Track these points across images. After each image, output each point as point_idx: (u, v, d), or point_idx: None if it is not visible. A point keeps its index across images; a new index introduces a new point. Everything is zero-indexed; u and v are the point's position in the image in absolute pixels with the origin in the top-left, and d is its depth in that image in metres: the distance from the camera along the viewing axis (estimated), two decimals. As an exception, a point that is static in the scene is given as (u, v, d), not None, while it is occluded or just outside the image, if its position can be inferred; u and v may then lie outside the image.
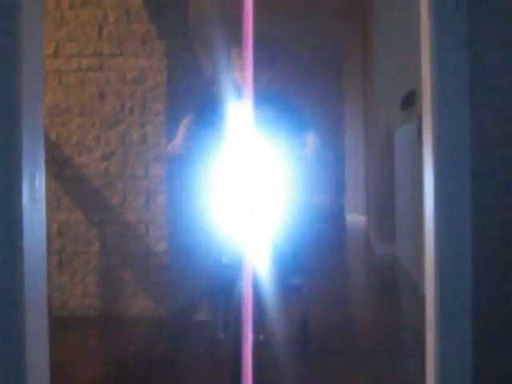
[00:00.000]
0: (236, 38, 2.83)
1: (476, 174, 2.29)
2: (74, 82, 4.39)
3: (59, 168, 4.41)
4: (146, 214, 4.33)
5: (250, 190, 2.42)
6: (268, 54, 3.30)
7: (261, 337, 2.96)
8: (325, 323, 4.12)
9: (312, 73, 16.19)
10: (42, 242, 2.56)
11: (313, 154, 3.23)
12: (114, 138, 4.35)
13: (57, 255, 4.41)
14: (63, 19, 4.40)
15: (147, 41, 4.33)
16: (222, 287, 3.18)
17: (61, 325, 4.15)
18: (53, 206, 4.40)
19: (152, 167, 4.32)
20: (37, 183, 2.52)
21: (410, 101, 5.31)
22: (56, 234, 4.40)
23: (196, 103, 3.30)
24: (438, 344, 2.31)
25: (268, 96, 3.27)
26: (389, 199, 7.13)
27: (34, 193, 2.49)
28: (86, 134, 4.38)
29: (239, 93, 3.16)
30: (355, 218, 11.03)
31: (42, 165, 2.58)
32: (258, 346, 2.69)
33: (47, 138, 4.35)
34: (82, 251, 4.40)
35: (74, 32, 4.40)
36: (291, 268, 3.39)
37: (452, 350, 2.30)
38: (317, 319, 4.19)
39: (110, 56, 4.37)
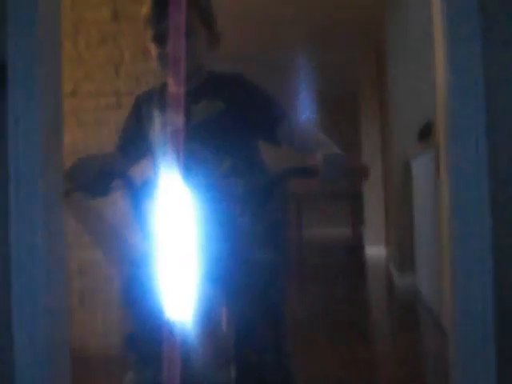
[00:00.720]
0: None
1: (495, 203, 2.28)
2: (92, 122, 4.42)
3: (79, 207, 4.42)
4: (166, 250, 4.32)
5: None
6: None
7: None
8: (343, 363, 4.09)
9: (327, 103, 16.21)
10: (63, 280, 2.56)
11: (327, 158, 2.21)
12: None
13: (77, 294, 4.40)
14: (80, 59, 4.44)
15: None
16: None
17: (82, 364, 4.14)
18: (73, 244, 4.40)
19: (171, 204, 4.32)
20: (57, 221, 2.53)
21: (427, 131, 5.30)
22: (77, 272, 4.40)
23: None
24: (461, 379, 2.29)
25: (210, 83, 2.48)
26: (408, 230, 7.11)
27: (55, 230, 2.50)
28: (104, 172, 4.39)
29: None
30: (374, 250, 10.99)
31: (62, 204, 2.59)
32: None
33: (66, 177, 4.36)
34: (102, 289, 4.39)
35: (91, 72, 4.44)
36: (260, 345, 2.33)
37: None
38: (334, 358, 4.16)
39: (128, 94, 4.40)
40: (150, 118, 2.60)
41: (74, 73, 4.45)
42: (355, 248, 11.74)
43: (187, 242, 2.15)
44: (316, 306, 5.98)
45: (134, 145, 2.66)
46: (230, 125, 2.39)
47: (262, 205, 2.42)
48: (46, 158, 2.44)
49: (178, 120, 2.21)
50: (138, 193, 2.51)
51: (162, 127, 2.48)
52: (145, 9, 2.45)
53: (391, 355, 4.13)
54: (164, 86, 2.58)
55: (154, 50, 2.48)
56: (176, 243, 2.15)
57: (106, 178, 2.41)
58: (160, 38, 2.39)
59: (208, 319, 2.23)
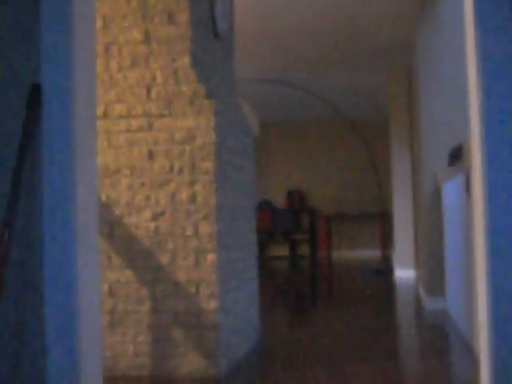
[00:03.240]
0: None
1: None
2: (123, 143, 4.45)
3: (109, 228, 4.45)
4: (196, 272, 4.33)
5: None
6: None
7: None
8: None
9: (359, 127, 16.26)
10: (97, 303, 2.58)
11: None
12: (163, 198, 4.38)
13: (108, 315, 4.42)
14: (112, 81, 4.48)
15: (195, 101, 4.38)
16: None
17: (113, 385, 4.15)
18: (104, 265, 4.43)
19: (201, 226, 4.33)
20: (91, 244, 2.55)
21: (457, 155, 5.29)
22: (107, 293, 4.42)
23: None
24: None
25: None
26: (438, 253, 7.09)
27: (88, 254, 2.51)
28: (135, 194, 4.42)
29: None
30: (404, 272, 10.95)
31: (96, 226, 2.61)
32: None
33: (98, 199, 4.40)
34: (132, 310, 4.41)
35: (123, 93, 4.47)
36: None
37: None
38: (363, 381, 4.14)
39: (159, 116, 4.43)
40: None
41: (105, 95, 4.49)
42: (384, 270, 11.69)
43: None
44: (344, 328, 5.95)
45: None
46: None
47: None
48: (80, 179, 2.46)
49: None
50: None
51: None
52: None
53: (421, 379, 4.09)
54: None
55: None
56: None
57: None
58: None
59: None
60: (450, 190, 5.96)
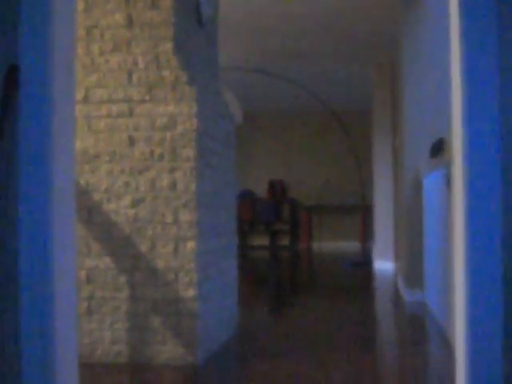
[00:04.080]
0: None
1: (507, 219, 2.25)
2: (104, 128, 4.41)
3: (88, 214, 4.41)
4: (175, 260, 4.31)
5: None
6: None
7: None
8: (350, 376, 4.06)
9: (341, 118, 16.26)
10: (73, 289, 2.55)
11: None
12: (143, 185, 4.35)
13: (86, 302, 4.39)
14: (93, 65, 4.44)
15: (177, 87, 4.35)
16: None
17: (90, 372, 4.12)
18: (82, 252, 4.40)
19: (182, 213, 4.31)
20: (68, 230, 2.51)
21: (439, 148, 5.28)
22: (85, 280, 4.39)
23: None
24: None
25: None
26: (417, 245, 7.10)
27: (65, 239, 2.48)
28: (114, 180, 4.38)
29: None
30: (384, 264, 10.97)
31: (73, 211, 2.58)
32: None
33: (76, 184, 4.36)
34: (110, 297, 4.38)
35: (104, 78, 4.43)
36: None
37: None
38: (341, 370, 4.14)
39: (140, 102, 4.39)
40: None
41: (86, 79, 4.44)
42: (364, 262, 11.71)
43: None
44: (323, 318, 5.95)
45: None
46: None
47: None
48: (57, 164, 2.42)
49: None
50: None
51: None
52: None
53: (398, 368, 4.10)
54: None
55: None
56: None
57: None
58: None
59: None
60: (431, 183, 5.95)
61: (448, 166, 4.71)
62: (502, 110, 2.28)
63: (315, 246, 17.09)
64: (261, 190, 17.39)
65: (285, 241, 17.38)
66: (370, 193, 16.54)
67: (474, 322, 2.25)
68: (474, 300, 2.25)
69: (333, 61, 11.23)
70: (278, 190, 17.00)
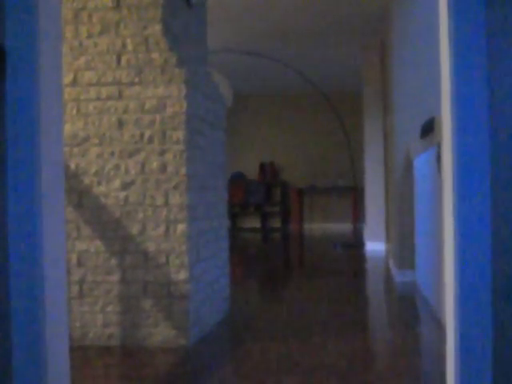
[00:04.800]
0: None
1: (496, 199, 2.26)
2: (93, 111, 4.39)
3: (78, 198, 4.40)
4: (166, 242, 4.31)
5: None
6: None
7: None
8: (341, 351, 4.07)
9: (331, 99, 16.24)
10: (63, 272, 2.54)
11: None
12: (133, 168, 4.34)
13: (77, 285, 4.39)
14: (82, 48, 4.42)
15: (166, 69, 4.33)
16: None
17: (82, 355, 4.13)
18: (72, 235, 4.39)
19: (172, 196, 4.30)
20: (57, 213, 2.51)
21: (429, 128, 5.28)
22: (76, 264, 4.39)
23: None
24: (457, 375, 2.27)
25: None
26: (408, 226, 7.11)
27: (55, 223, 2.47)
28: (104, 163, 4.37)
29: None
30: (375, 246, 11.00)
31: (62, 195, 2.57)
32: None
33: (66, 167, 4.35)
34: (102, 281, 4.38)
35: (93, 61, 4.41)
36: None
37: (472, 381, 2.26)
38: (333, 350, 4.15)
39: (129, 84, 4.37)
40: None
41: (75, 62, 4.42)
42: (355, 243, 11.74)
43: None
44: (314, 300, 5.97)
45: None
46: None
47: None
48: (46, 147, 2.41)
49: None
50: None
51: None
52: None
53: (389, 349, 4.11)
54: None
55: None
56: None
57: None
58: None
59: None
60: (422, 164, 5.96)
61: (438, 146, 4.72)
62: (490, 88, 2.27)
63: (306, 227, 17.12)
64: (252, 173, 17.39)
65: (276, 223, 17.40)
66: (361, 174, 16.56)
67: (463, 301, 2.26)
68: (463, 279, 2.25)
69: (323, 42, 11.20)
70: (268, 172, 17.00)
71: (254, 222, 17.46)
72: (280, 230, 16.50)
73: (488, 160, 2.24)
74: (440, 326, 4.68)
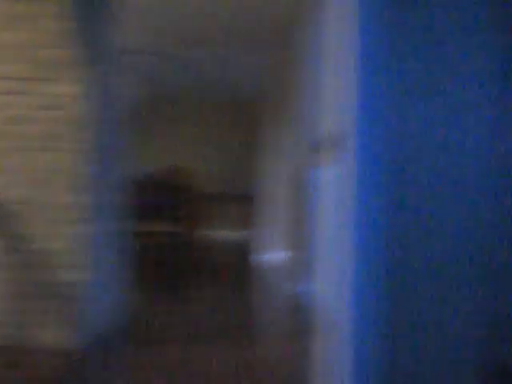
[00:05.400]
0: None
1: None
2: (-8, 105, 4.31)
3: (-29, 192, 4.31)
4: (58, 242, 4.25)
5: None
6: None
7: None
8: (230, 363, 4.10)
9: (231, 107, 16.34)
10: None
11: None
12: (26, 165, 4.27)
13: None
14: (-17, 41, 4.33)
15: (70, 67, 4.28)
16: None
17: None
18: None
19: (66, 196, 4.24)
20: None
21: (321, 143, 5.38)
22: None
23: None
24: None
25: None
26: (304, 236, 7.18)
27: None
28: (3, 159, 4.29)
29: None
30: (274, 254, 11.08)
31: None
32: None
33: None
34: (-10, 278, 4.30)
35: (-5, 54, 4.33)
36: None
37: None
38: (219, 359, 4.17)
39: (30, 80, 4.30)
40: None
41: (-25, 54, 4.33)
42: (246, 251, 11.81)
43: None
44: (212, 308, 5.98)
45: None
46: None
47: None
48: None
49: None
50: None
51: None
52: None
53: (275, 357, 4.16)
54: None
55: None
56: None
57: None
58: None
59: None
60: (317, 175, 6.03)
61: (328, 159, 4.78)
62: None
63: (210, 233, 17.12)
64: (160, 176, 17.31)
65: (180, 228, 17.36)
66: (260, 183, 16.69)
67: (358, 312, 2.31)
68: (358, 292, 2.30)
69: (230, 49, 11.23)
70: (175, 176, 16.95)
71: (154, 226, 17.37)
72: (183, 235, 16.46)
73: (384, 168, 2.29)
74: (337, 336, 4.74)
